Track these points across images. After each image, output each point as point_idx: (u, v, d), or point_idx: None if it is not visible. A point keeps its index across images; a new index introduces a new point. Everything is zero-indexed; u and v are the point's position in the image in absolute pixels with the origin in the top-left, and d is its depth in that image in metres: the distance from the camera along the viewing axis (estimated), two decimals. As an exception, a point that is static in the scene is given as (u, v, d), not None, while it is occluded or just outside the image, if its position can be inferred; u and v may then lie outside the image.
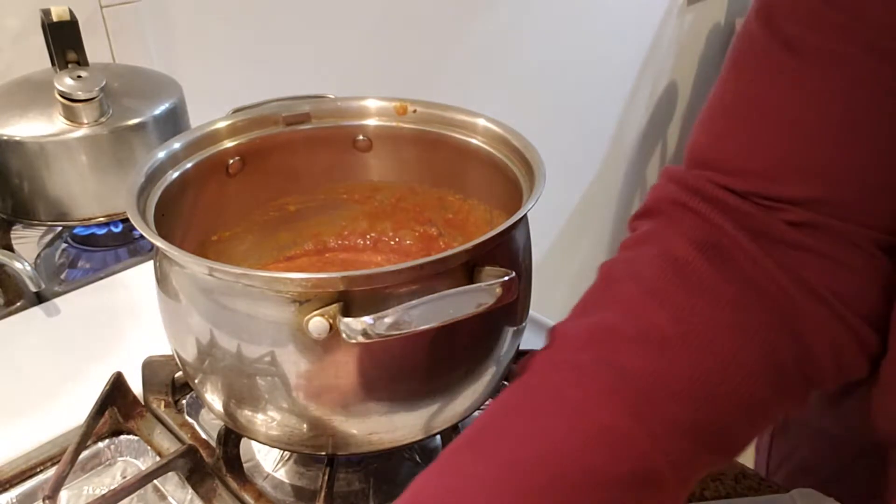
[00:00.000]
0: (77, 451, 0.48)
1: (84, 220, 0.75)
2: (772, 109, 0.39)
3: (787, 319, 0.38)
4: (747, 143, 0.40)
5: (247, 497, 0.48)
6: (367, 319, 0.37)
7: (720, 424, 0.37)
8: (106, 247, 0.79)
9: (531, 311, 0.53)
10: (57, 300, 0.69)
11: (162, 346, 0.51)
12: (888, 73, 0.36)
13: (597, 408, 0.36)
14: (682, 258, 0.39)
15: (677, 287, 0.39)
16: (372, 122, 0.58)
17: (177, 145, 0.52)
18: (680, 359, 0.37)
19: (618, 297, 0.40)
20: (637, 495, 0.35)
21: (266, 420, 0.45)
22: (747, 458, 0.53)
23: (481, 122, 0.55)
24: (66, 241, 0.80)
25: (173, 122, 0.78)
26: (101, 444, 0.54)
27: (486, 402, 0.55)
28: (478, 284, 0.40)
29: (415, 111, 0.57)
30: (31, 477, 0.52)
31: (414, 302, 0.38)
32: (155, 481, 0.51)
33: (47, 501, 0.44)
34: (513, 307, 0.43)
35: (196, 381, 0.48)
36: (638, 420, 0.36)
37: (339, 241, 0.63)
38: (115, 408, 0.54)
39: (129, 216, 0.44)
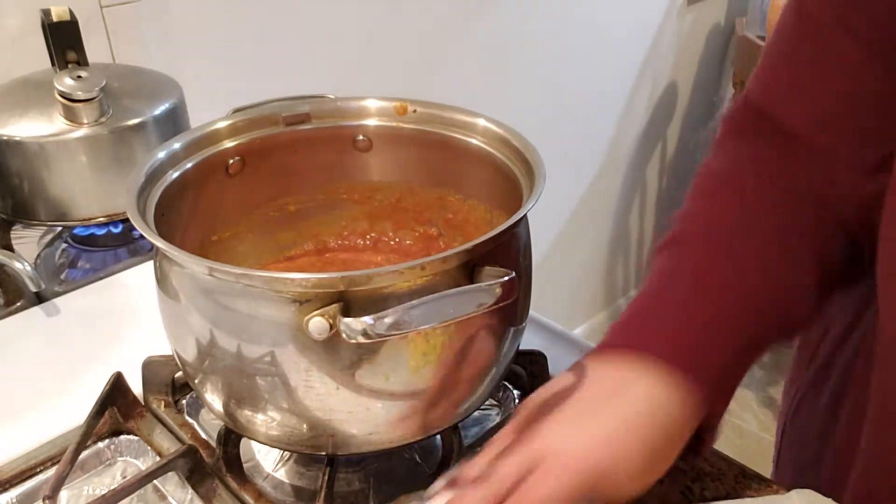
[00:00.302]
0: (77, 451, 0.48)
1: (84, 220, 0.75)
2: (795, 70, 0.51)
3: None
4: (774, 91, 0.52)
5: (247, 497, 0.48)
6: (367, 319, 0.37)
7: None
8: (106, 247, 0.79)
9: (531, 311, 0.53)
10: (57, 300, 0.69)
11: (162, 346, 0.51)
12: (854, 48, 0.47)
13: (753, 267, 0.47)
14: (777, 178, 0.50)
15: (774, 187, 0.50)
16: (372, 122, 0.58)
17: (177, 145, 0.52)
18: (805, 239, 0.48)
19: (739, 193, 0.51)
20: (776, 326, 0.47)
21: (266, 420, 0.45)
22: (758, 465, 0.53)
23: (481, 122, 0.55)
24: (66, 241, 0.80)
25: (173, 122, 0.78)
26: (101, 444, 0.54)
27: (487, 402, 0.56)
28: (478, 284, 0.40)
29: (415, 111, 0.57)
30: (31, 477, 0.52)
31: (414, 302, 0.38)
32: (155, 481, 0.51)
33: (47, 501, 0.44)
34: (513, 307, 0.43)
35: (196, 381, 0.48)
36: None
37: (339, 241, 0.63)
38: (115, 408, 0.54)
39: (129, 216, 0.44)
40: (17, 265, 0.66)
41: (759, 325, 0.46)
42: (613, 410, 0.41)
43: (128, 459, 0.54)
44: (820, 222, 0.49)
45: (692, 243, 0.49)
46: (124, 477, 0.53)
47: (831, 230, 0.49)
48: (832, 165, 0.49)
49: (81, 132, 0.72)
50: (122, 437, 0.54)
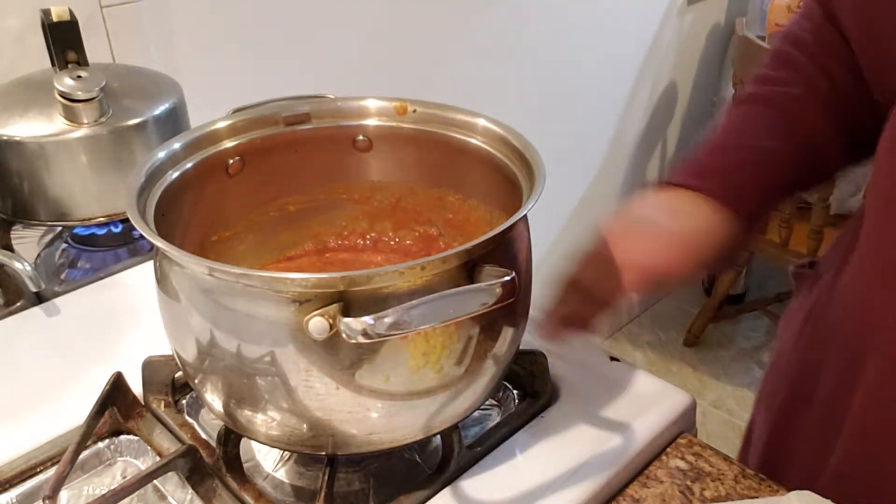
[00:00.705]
0: (77, 451, 0.48)
1: (84, 220, 0.75)
2: None
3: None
4: None
5: (247, 497, 0.48)
6: (368, 319, 0.37)
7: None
8: (106, 247, 0.79)
9: (531, 311, 0.53)
10: (57, 300, 0.69)
11: (162, 346, 0.51)
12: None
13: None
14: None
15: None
16: (372, 122, 0.58)
17: (177, 145, 0.52)
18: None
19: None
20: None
21: (266, 420, 0.45)
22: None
23: (481, 122, 0.55)
24: (66, 241, 0.80)
25: (173, 122, 0.78)
26: (101, 444, 0.54)
27: (487, 402, 0.56)
28: (478, 284, 0.40)
29: (415, 111, 0.57)
30: (31, 477, 0.52)
31: (414, 302, 0.38)
32: (155, 481, 0.51)
33: (47, 501, 0.44)
34: (513, 307, 0.43)
35: (196, 381, 0.48)
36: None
37: (339, 241, 0.63)
38: (115, 408, 0.54)
39: (129, 216, 0.44)
40: (17, 265, 0.66)
41: (793, 180, 0.59)
42: (676, 230, 0.56)
43: (128, 459, 0.54)
44: (858, 103, 0.57)
45: (756, 105, 0.60)
46: (124, 477, 0.53)
47: (866, 113, 0.57)
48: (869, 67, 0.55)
49: (81, 132, 0.72)
50: (122, 437, 0.54)
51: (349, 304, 0.39)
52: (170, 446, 0.53)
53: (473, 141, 0.55)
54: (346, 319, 0.38)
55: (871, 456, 0.53)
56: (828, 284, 0.60)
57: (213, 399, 0.47)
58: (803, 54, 0.60)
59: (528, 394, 0.57)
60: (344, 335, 0.38)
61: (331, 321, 0.39)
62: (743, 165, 0.58)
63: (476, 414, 0.56)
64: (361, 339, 0.38)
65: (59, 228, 0.80)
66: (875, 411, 0.52)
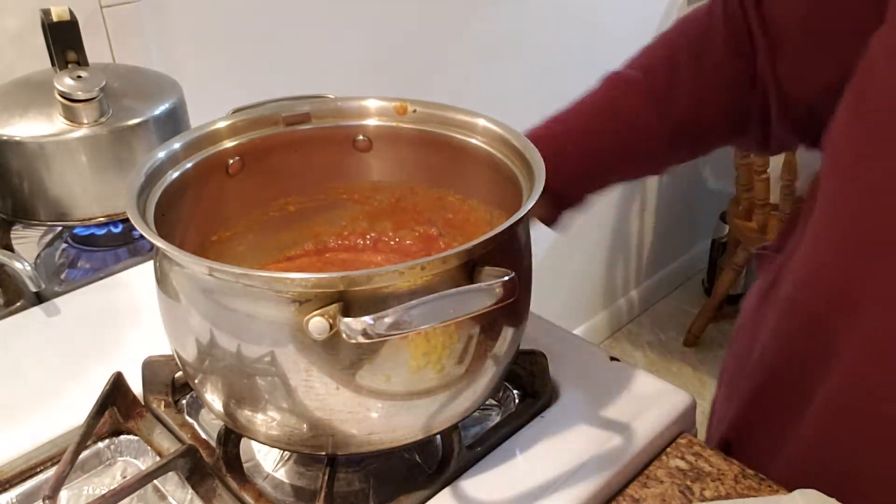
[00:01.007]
0: (77, 451, 0.48)
1: (84, 220, 0.75)
2: None
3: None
4: None
5: (247, 497, 0.48)
6: (367, 319, 0.37)
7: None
8: (106, 247, 0.79)
9: (531, 311, 0.53)
10: (57, 300, 0.69)
11: (162, 346, 0.51)
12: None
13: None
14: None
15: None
16: (372, 122, 0.58)
17: (177, 145, 0.52)
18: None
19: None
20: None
21: (266, 420, 0.45)
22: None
23: (481, 122, 0.55)
24: (66, 241, 0.80)
25: (173, 122, 0.78)
26: (101, 444, 0.54)
27: (487, 402, 0.56)
28: (478, 284, 0.40)
29: (415, 111, 0.57)
30: (31, 477, 0.52)
31: (414, 302, 0.38)
32: (155, 481, 0.51)
33: (47, 501, 0.44)
34: (513, 307, 0.43)
35: (196, 381, 0.48)
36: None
37: (339, 241, 0.63)
38: (115, 408, 0.54)
39: (129, 216, 0.44)
40: (17, 265, 0.66)
41: (614, 170, 0.65)
42: None
43: (128, 459, 0.54)
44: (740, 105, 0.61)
45: (611, 88, 0.66)
46: (124, 477, 0.53)
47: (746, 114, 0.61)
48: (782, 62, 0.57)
49: (81, 132, 0.72)
50: (122, 437, 0.54)
51: (349, 304, 0.39)
52: (170, 446, 0.53)
53: (473, 141, 0.55)
54: (346, 319, 0.38)
55: (845, 436, 0.53)
56: (780, 265, 0.61)
57: (213, 399, 0.47)
58: (684, 43, 0.63)
59: (528, 394, 0.57)
60: (344, 335, 0.38)
61: (331, 321, 0.39)
62: (561, 150, 0.61)
63: (476, 414, 0.56)
64: (361, 339, 0.38)
65: (59, 228, 0.80)
66: (853, 392, 0.51)
